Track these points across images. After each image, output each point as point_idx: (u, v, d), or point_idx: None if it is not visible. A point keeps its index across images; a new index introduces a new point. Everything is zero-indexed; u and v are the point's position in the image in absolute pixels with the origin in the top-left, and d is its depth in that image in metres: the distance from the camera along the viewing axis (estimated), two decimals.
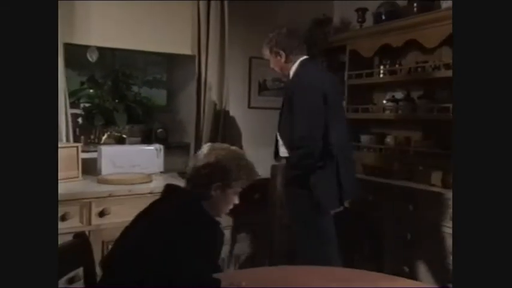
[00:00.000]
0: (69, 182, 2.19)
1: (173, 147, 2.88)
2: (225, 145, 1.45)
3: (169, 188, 1.38)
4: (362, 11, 2.98)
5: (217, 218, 1.39)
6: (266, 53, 2.23)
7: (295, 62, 2.17)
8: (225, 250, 2.39)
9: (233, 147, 1.44)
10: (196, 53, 2.77)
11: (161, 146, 2.64)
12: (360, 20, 2.99)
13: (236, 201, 1.41)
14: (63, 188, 2.05)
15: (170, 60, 3.25)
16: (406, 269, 2.39)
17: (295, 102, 2.05)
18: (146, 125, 2.92)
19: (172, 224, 1.20)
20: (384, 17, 2.79)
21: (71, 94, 2.59)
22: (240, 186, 1.39)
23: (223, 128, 2.87)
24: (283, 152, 2.19)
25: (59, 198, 1.88)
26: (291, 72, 2.17)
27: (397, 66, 2.78)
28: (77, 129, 2.64)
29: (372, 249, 2.70)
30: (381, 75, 2.86)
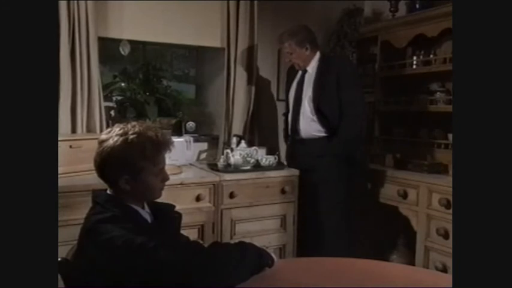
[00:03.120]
0: None
1: (202, 139, 2.90)
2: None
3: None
4: (395, 0, 2.90)
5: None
6: (290, 44, 2.46)
7: (315, 55, 2.51)
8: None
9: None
10: (225, 46, 2.77)
11: (191, 138, 2.67)
12: (392, 9, 2.91)
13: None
14: (97, 178, 2.09)
15: (198, 55, 3.27)
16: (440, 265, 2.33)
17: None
18: (176, 117, 2.95)
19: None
20: (418, 6, 2.70)
21: (104, 87, 2.65)
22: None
23: (252, 120, 2.87)
24: (315, 130, 2.45)
25: (93, 188, 1.93)
26: (313, 63, 2.51)
27: (431, 56, 2.69)
28: (110, 122, 2.70)
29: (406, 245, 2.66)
30: (414, 67, 2.78)
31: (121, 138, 1.16)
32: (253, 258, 1.26)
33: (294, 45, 2.46)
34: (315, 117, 2.45)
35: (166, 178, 1.26)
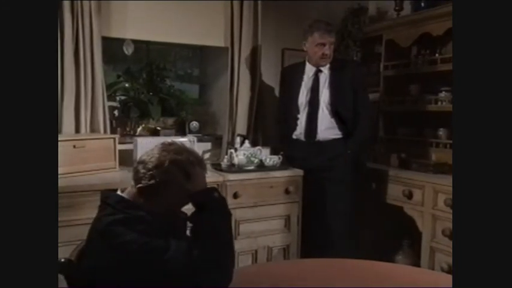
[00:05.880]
0: (106, 172, 2.25)
1: (206, 139, 2.90)
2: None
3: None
4: None
5: None
6: (333, 39, 2.46)
7: None
8: (257, 242, 2.40)
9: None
10: (229, 45, 2.76)
11: (195, 138, 2.66)
12: (397, 8, 2.89)
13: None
14: (100, 178, 2.11)
15: (202, 54, 3.27)
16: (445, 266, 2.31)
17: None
18: (179, 117, 2.95)
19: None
20: (423, 5, 2.68)
21: (108, 87, 2.65)
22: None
23: (256, 120, 2.86)
24: (333, 133, 2.46)
25: (97, 188, 1.93)
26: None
27: (436, 55, 2.67)
28: (114, 122, 2.70)
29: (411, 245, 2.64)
30: (419, 66, 2.76)
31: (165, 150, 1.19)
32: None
33: (335, 37, 2.48)
34: (333, 121, 2.45)
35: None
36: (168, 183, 1.16)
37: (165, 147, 1.21)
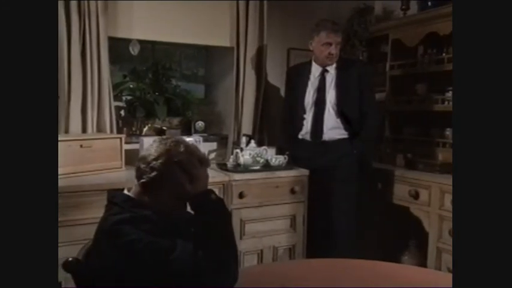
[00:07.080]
0: (112, 172, 2.26)
1: (212, 139, 2.90)
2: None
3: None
4: None
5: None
6: (340, 39, 2.46)
7: None
8: (263, 242, 2.40)
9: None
10: (235, 45, 2.76)
11: (200, 138, 2.66)
12: (403, 7, 2.88)
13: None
14: (106, 178, 2.12)
15: (208, 54, 3.27)
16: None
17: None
18: (185, 117, 2.96)
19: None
20: (430, 4, 2.66)
21: (114, 87, 2.66)
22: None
23: (261, 120, 2.86)
24: (338, 133, 2.46)
25: (103, 187, 1.94)
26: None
27: (443, 55, 2.65)
28: (120, 121, 2.72)
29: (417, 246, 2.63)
30: (426, 65, 2.74)
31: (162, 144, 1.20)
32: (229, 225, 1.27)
33: (340, 39, 2.48)
34: (339, 121, 2.46)
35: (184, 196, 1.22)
36: (170, 171, 1.16)
37: (162, 141, 1.22)
